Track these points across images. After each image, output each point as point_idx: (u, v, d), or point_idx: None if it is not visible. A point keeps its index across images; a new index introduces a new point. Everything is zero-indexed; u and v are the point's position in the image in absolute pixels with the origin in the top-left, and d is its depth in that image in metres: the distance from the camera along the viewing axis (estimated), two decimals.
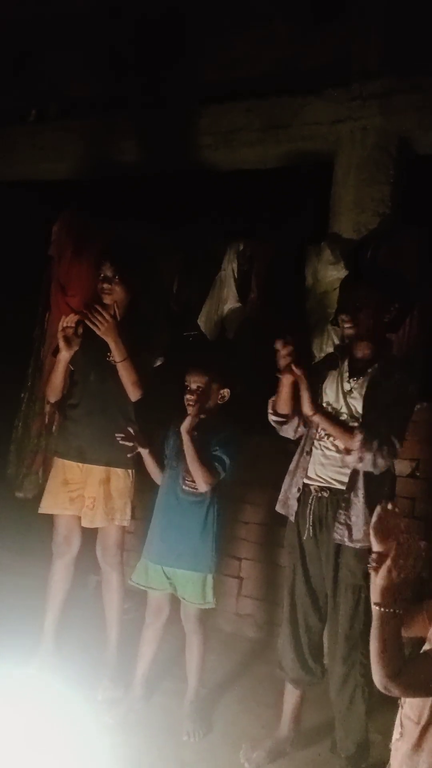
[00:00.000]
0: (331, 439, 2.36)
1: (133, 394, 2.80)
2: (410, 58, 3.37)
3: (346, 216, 3.41)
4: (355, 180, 3.41)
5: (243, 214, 4.01)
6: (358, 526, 2.26)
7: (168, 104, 4.02)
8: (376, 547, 1.54)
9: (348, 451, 2.24)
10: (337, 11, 3.63)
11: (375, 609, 1.49)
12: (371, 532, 1.56)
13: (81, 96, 4.38)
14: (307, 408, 2.31)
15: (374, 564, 1.52)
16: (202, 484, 2.54)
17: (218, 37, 4.01)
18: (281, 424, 2.51)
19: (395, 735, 1.60)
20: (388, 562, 1.50)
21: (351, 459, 2.24)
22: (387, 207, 3.35)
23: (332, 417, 2.31)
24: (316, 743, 2.56)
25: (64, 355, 2.79)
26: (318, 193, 3.62)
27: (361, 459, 2.22)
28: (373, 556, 1.53)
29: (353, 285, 2.46)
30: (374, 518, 1.57)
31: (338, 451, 2.34)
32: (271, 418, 2.50)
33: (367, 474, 2.29)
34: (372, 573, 1.53)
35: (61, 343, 2.76)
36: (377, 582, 1.51)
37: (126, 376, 2.76)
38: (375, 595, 1.50)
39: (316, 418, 2.29)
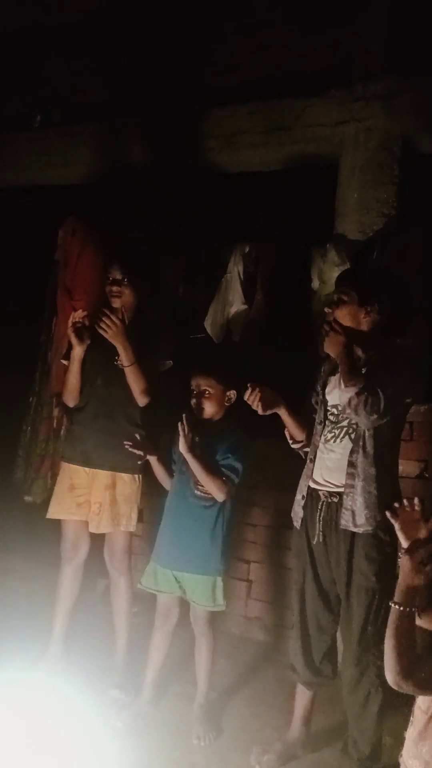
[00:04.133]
0: (337, 441, 2.36)
1: (141, 400, 2.80)
2: (413, 59, 3.36)
3: (350, 217, 3.40)
4: (360, 181, 3.41)
5: (247, 217, 4.01)
6: (360, 509, 2.27)
7: (171, 108, 4.03)
8: (404, 543, 1.62)
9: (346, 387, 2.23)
10: (339, 14, 3.63)
11: (394, 607, 1.53)
12: (398, 530, 1.65)
13: (85, 101, 4.39)
14: (297, 434, 2.50)
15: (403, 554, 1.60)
16: (219, 495, 2.54)
17: (221, 41, 4.01)
18: (301, 449, 2.55)
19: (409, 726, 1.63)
20: (414, 561, 1.52)
21: (344, 396, 2.23)
22: (392, 208, 3.35)
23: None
24: (327, 745, 2.55)
25: (78, 351, 2.78)
26: (322, 195, 3.62)
27: (349, 403, 2.22)
28: (402, 551, 1.61)
29: (337, 284, 2.49)
30: (394, 513, 1.67)
31: (347, 454, 2.33)
32: (292, 446, 2.56)
33: (367, 460, 2.29)
34: (400, 566, 1.58)
35: (73, 339, 2.76)
36: (399, 580, 1.55)
37: (134, 381, 2.76)
38: (397, 594, 1.54)
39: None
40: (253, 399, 2.38)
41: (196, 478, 2.55)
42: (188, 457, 2.51)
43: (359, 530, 2.27)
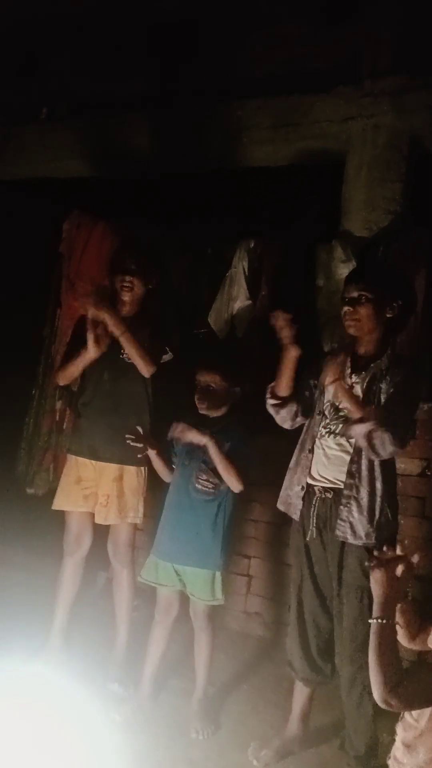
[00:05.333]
0: (332, 437, 2.35)
1: (145, 369, 2.78)
2: (422, 56, 3.35)
3: (357, 214, 3.39)
4: (367, 178, 3.40)
5: (253, 213, 4.00)
6: (362, 523, 2.27)
7: (179, 103, 4.02)
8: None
9: (360, 420, 2.20)
10: (348, 11, 3.61)
11: (375, 622, 1.50)
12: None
13: (92, 95, 4.38)
14: (282, 389, 2.45)
15: (374, 563, 1.54)
16: (237, 485, 2.54)
17: (230, 37, 4.00)
18: (279, 407, 2.50)
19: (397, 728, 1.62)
20: (389, 572, 1.51)
21: (359, 430, 2.20)
22: (398, 205, 3.34)
23: (349, 392, 2.28)
24: (325, 742, 2.55)
25: (92, 355, 2.74)
26: (328, 192, 3.61)
27: (371, 434, 2.18)
28: (373, 564, 1.55)
29: (357, 280, 2.45)
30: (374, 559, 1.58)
31: (342, 450, 2.34)
32: (269, 402, 2.51)
33: (369, 471, 2.29)
34: (372, 579, 1.53)
35: (91, 344, 2.70)
36: (375, 595, 1.52)
37: (131, 349, 2.74)
38: (375, 609, 1.51)
39: (333, 387, 2.29)
40: (282, 325, 2.37)
41: (200, 466, 2.55)
42: (211, 446, 2.50)
43: (359, 542, 2.27)
